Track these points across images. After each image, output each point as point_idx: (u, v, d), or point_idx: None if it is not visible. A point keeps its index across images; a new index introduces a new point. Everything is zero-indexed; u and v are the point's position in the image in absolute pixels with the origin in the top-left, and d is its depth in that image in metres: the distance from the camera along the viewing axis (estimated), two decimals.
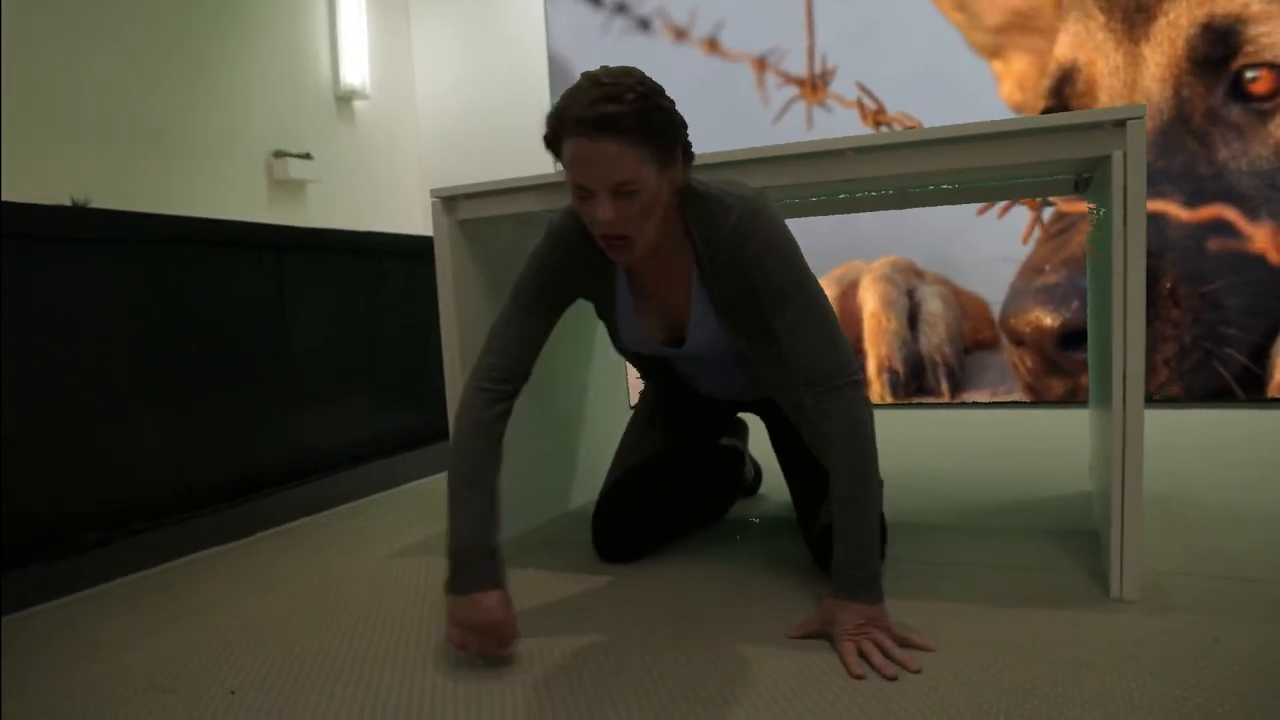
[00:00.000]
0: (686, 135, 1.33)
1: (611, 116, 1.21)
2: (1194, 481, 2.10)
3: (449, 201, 1.75)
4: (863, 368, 1.52)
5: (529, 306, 1.44)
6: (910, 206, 2.09)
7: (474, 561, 1.31)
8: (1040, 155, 1.37)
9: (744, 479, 2.07)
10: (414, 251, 2.89)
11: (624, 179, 1.23)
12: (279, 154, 3.70)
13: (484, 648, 1.27)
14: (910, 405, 3.55)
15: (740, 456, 2.03)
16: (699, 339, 1.50)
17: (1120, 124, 1.29)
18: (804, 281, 1.33)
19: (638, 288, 1.51)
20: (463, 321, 1.78)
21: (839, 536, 1.29)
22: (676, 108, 1.29)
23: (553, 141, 1.27)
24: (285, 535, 2.10)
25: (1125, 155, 1.28)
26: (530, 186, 1.68)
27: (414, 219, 4.30)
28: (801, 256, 1.35)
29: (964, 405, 3.50)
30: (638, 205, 1.26)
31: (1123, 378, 1.31)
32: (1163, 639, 1.22)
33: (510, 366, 1.42)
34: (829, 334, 1.33)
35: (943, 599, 1.41)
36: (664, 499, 1.76)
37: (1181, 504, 1.90)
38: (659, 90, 1.26)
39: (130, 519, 1.94)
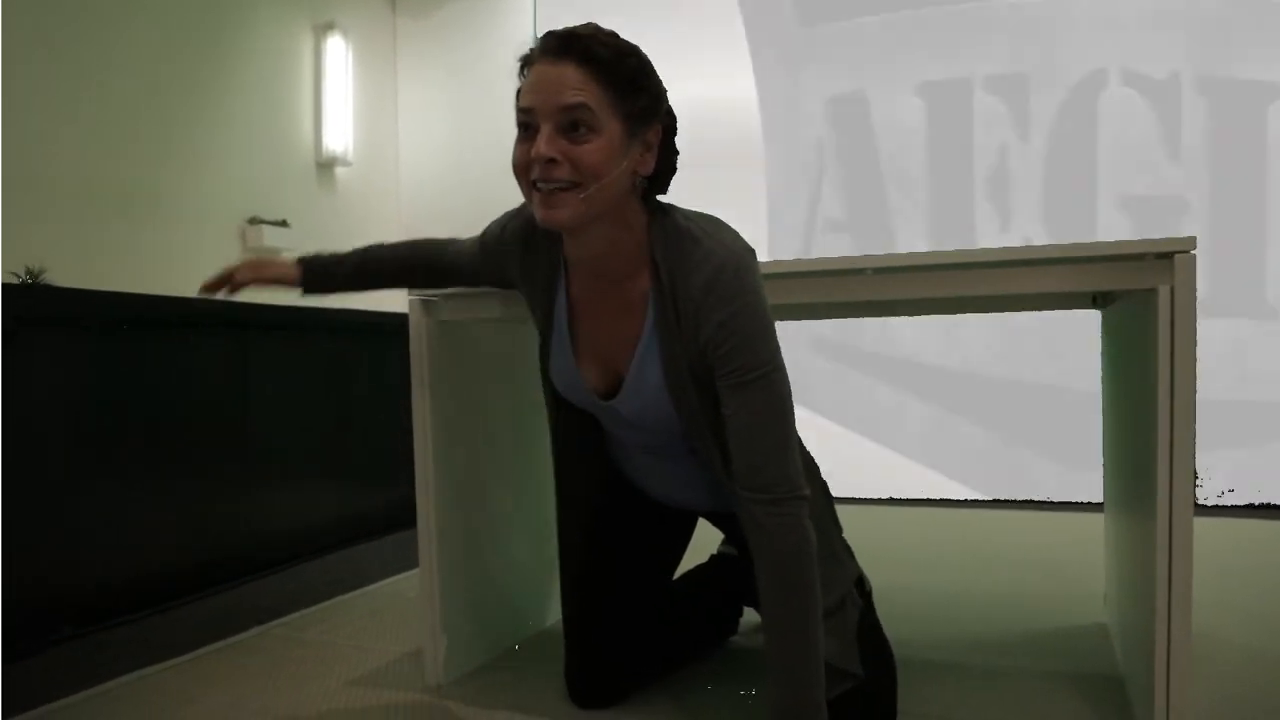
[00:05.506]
0: (670, 120, 1.20)
1: (581, 38, 1.09)
2: (1211, 609, 1.96)
3: (428, 303, 1.62)
4: (818, 471, 1.33)
5: (468, 250, 1.49)
6: (909, 314, 1.99)
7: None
8: (1074, 285, 1.26)
9: (754, 594, 1.85)
10: (386, 329, 2.77)
11: (576, 102, 1.08)
12: (254, 221, 3.56)
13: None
14: (888, 503, 3.41)
15: (744, 569, 1.82)
16: (636, 393, 1.28)
17: (1166, 256, 1.19)
18: (774, 367, 1.16)
19: (580, 311, 1.31)
20: (438, 430, 1.64)
21: (780, 678, 1.13)
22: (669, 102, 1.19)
23: (520, 101, 1.15)
24: (229, 652, 1.90)
25: (1173, 291, 1.17)
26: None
27: (393, 292, 4.17)
28: (776, 336, 1.18)
29: (952, 504, 3.37)
30: (586, 151, 1.09)
31: (1168, 583, 1.19)
32: None
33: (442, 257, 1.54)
34: (784, 436, 1.17)
35: None
36: (637, 634, 1.55)
37: (1205, 641, 1.76)
38: (649, 62, 1.15)
39: (56, 624, 1.76)
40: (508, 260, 1.39)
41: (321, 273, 1.52)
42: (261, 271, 1.51)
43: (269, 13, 3.73)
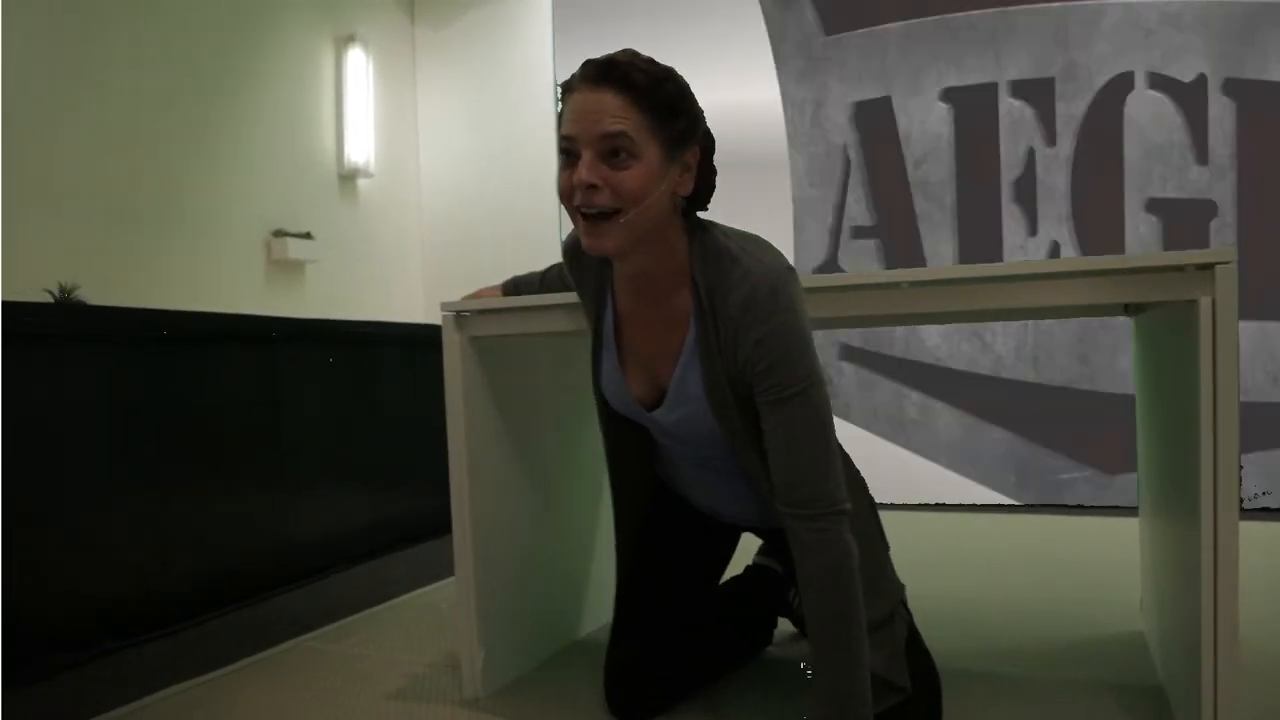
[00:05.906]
0: (707, 141, 1.23)
1: (619, 66, 1.13)
2: (1245, 615, 1.93)
3: (461, 318, 1.63)
4: (865, 486, 1.32)
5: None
6: (941, 322, 1.98)
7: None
8: (1112, 297, 1.25)
9: (789, 606, 1.83)
10: (413, 339, 2.79)
11: (615, 130, 1.11)
12: (279, 233, 3.59)
13: None
14: (918, 509, 3.39)
15: (779, 581, 1.81)
16: (678, 404, 1.30)
17: (1206, 268, 1.18)
18: (811, 383, 1.17)
19: (626, 323, 1.34)
20: (473, 443, 1.64)
21: (824, 693, 1.14)
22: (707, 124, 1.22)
23: (561, 129, 1.19)
24: (263, 666, 1.91)
25: (1214, 303, 1.16)
26: (552, 306, 1.55)
27: (415, 301, 4.19)
28: (814, 351, 1.19)
29: (982, 509, 3.35)
30: (626, 176, 1.13)
31: (1214, 591, 1.18)
32: None
33: None
34: (823, 452, 1.17)
35: None
36: (677, 645, 1.56)
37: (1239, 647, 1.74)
38: (686, 85, 1.18)
39: (94, 638, 1.77)
40: (568, 267, 1.46)
41: (513, 289, 1.67)
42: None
43: (291, 26, 3.76)
